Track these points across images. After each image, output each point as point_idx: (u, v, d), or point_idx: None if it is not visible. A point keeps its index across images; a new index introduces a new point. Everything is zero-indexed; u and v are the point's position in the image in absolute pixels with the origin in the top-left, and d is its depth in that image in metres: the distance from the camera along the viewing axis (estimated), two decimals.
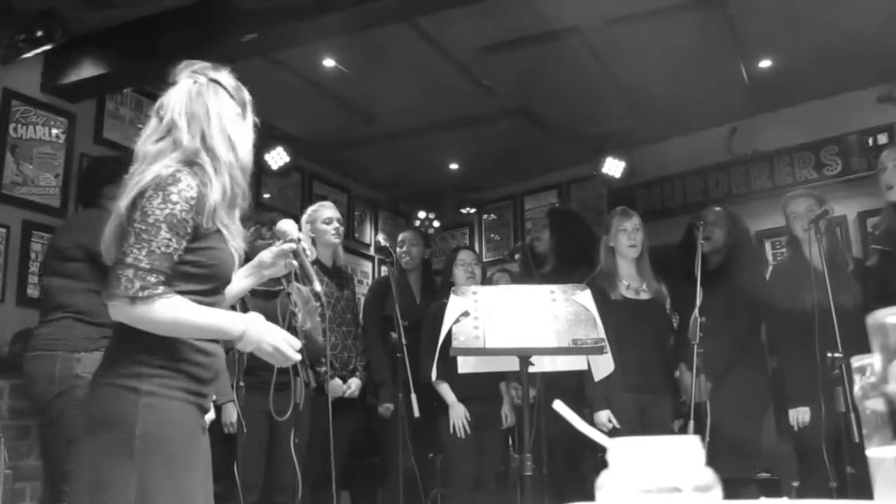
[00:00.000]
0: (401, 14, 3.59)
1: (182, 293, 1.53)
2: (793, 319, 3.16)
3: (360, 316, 3.99)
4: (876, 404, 0.60)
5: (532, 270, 3.83)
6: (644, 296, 3.45)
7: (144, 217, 1.49)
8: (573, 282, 2.53)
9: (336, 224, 3.67)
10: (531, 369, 2.20)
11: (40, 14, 3.57)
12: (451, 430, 3.63)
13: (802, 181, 4.85)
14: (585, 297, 2.26)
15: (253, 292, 2.47)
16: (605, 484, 0.52)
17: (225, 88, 1.69)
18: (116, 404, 1.50)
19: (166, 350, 1.53)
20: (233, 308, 1.81)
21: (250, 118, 1.73)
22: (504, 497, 3.82)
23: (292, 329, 2.89)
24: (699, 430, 2.87)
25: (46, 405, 2.76)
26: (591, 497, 0.54)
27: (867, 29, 3.90)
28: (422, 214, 6.34)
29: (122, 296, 1.46)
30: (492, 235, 6.61)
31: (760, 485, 3.56)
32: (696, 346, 2.93)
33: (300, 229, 3.61)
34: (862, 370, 0.63)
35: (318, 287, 1.84)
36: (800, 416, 3.16)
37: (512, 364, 2.25)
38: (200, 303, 1.56)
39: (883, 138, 4.71)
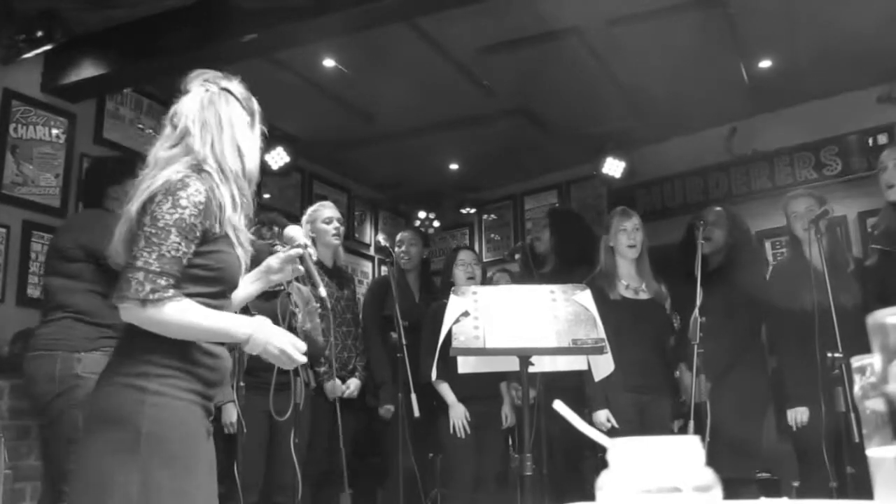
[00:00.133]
0: (401, 14, 3.59)
1: (190, 296, 1.55)
2: (793, 319, 3.16)
3: (360, 316, 3.99)
4: (876, 404, 0.60)
5: (532, 270, 3.83)
6: (643, 296, 3.45)
7: (154, 221, 1.52)
8: (573, 282, 2.53)
9: (336, 224, 3.67)
10: (531, 369, 2.20)
11: (40, 14, 3.57)
12: (451, 430, 3.63)
13: (802, 181, 4.85)
14: (585, 297, 2.26)
15: None
16: (605, 484, 0.52)
17: (236, 98, 1.72)
18: (123, 403, 1.51)
19: (174, 351, 1.55)
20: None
21: (258, 127, 1.76)
22: (504, 497, 3.82)
23: (292, 329, 2.89)
24: (699, 430, 2.87)
25: (46, 405, 2.76)
26: (592, 497, 0.54)
27: (867, 29, 3.90)
28: (422, 214, 6.34)
29: (133, 298, 1.49)
30: (492, 235, 6.61)
31: (760, 485, 3.56)
32: (696, 347, 2.93)
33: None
34: (862, 370, 0.63)
35: (323, 292, 1.87)
36: (798, 415, 3.17)
37: (512, 364, 2.25)
38: (208, 306, 1.58)
39: (883, 138, 4.71)
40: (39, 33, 3.59)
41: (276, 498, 3.18)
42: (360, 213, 6.31)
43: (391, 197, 6.54)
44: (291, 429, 2.83)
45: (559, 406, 0.73)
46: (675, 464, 0.51)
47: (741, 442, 3.22)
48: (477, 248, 6.45)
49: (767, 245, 4.98)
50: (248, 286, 1.85)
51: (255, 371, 2.93)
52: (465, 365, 2.35)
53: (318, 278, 1.87)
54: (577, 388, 3.28)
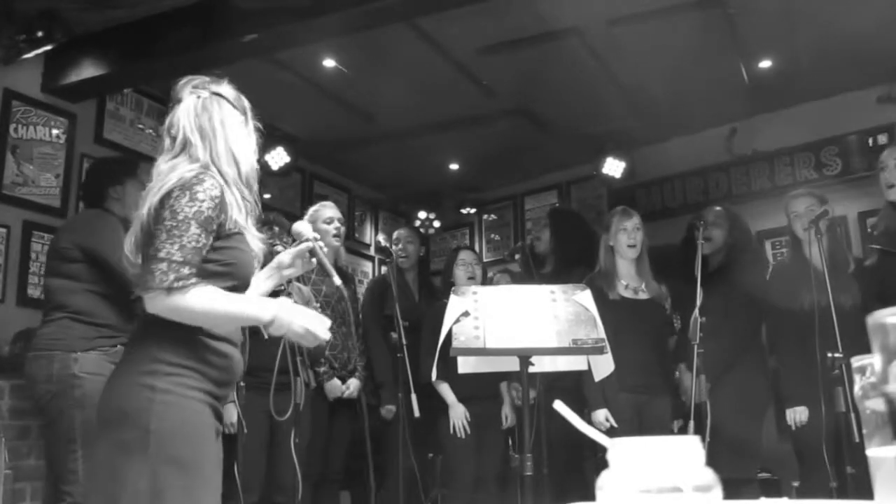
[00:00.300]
0: (401, 14, 3.59)
1: None
2: (793, 319, 3.16)
3: (360, 316, 3.99)
4: (876, 404, 0.60)
5: (532, 271, 3.82)
6: (643, 296, 3.45)
7: (174, 215, 1.55)
8: (573, 282, 2.53)
9: (337, 224, 3.67)
10: (531, 369, 2.20)
11: (41, 14, 3.57)
12: (452, 431, 3.63)
13: (802, 181, 4.85)
14: (586, 297, 2.26)
15: None
16: (605, 484, 0.52)
17: (227, 100, 1.75)
18: (132, 400, 1.53)
19: (185, 350, 1.57)
20: None
21: (251, 124, 1.80)
22: (504, 497, 3.82)
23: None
24: (699, 431, 2.87)
25: (45, 405, 2.76)
26: (592, 497, 0.54)
27: (867, 29, 3.90)
28: (422, 215, 6.34)
29: (158, 288, 1.51)
30: (492, 236, 6.61)
31: (760, 485, 3.56)
32: (696, 347, 2.93)
33: None
34: (862, 370, 0.63)
35: (337, 281, 1.88)
36: (797, 415, 3.16)
37: (512, 364, 2.25)
38: None
39: (883, 138, 4.71)
40: (40, 33, 3.59)
41: (277, 498, 3.18)
42: (360, 214, 6.31)
43: (391, 197, 6.54)
44: (292, 429, 2.83)
45: (559, 406, 0.73)
46: (676, 464, 0.51)
47: (741, 442, 3.22)
48: (477, 248, 6.45)
49: (767, 245, 4.98)
50: (261, 283, 1.87)
51: (256, 371, 2.93)
52: (465, 365, 2.35)
53: (331, 268, 1.88)
54: (577, 388, 3.28)
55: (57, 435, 2.72)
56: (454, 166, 6.06)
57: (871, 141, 4.79)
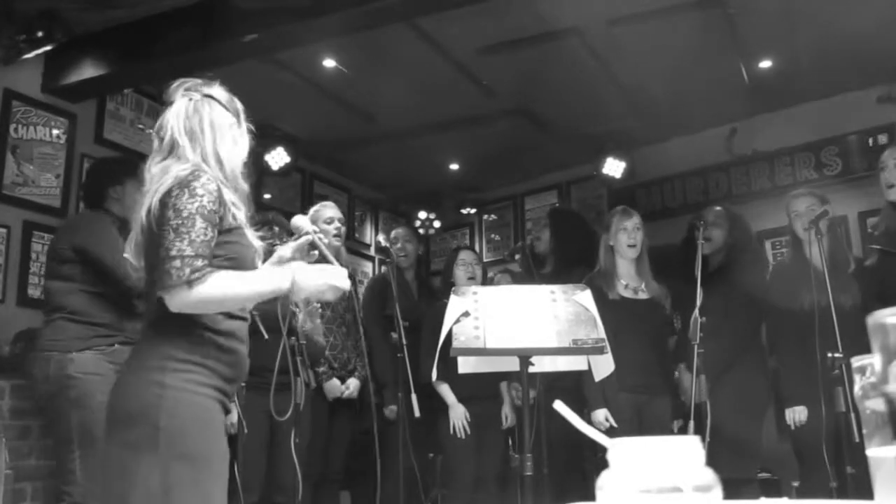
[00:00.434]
0: (401, 14, 3.59)
1: None
2: (792, 319, 3.16)
3: (360, 316, 3.98)
4: (876, 404, 0.60)
5: (532, 271, 3.82)
6: (643, 295, 3.45)
7: (178, 213, 1.57)
8: (573, 282, 2.53)
9: (338, 224, 3.67)
10: (531, 369, 2.20)
11: (41, 14, 3.57)
12: (451, 431, 3.63)
13: (803, 181, 4.85)
14: (586, 297, 2.26)
15: None
16: (605, 484, 0.52)
17: (219, 102, 1.77)
18: (141, 397, 1.55)
19: (193, 347, 1.59)
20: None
21: (245, 126, 1.82)
22: (505, 497, 3.82)
23: (293, 330, 2.89)
24: (699, 431, 2.87)
25: (45, 406, 2.77)
26: (592, 497, 0.54)
27: (867, 29, 3.90)
28: (422, 215, 6.34)
29: (178, 284, 1.53)
30: (492, 236, 6.61)
31: (760, 485, 3.56)
32: (696, 347, 2.93)
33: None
34: (862, 370, 0.63)
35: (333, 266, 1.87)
36: (796, 415, 3.17)
37: (512, 364, 2.25)
38: None
39: (883, 138, 4.71)
40: (40, 33, 3.58)
41: (277, 498, 3.18)
42: (360, 214, 6.31)
43: (391, 197, 6.54)
44: (292, 429, 2.83)
45: (559, 406, 0.73)
46: (676, 464, 0.51)
47: (741, 442, 3.22)
48: (477, 248, 6.45)
49: (768, 245, 4.97)
50: None
51: (256, 371, 2.92)
52: (465, 365, 2.35)
53: (333, 260, 1.89)
54: (577, 388, 3.28)
55: (56, 435, 2.73)
56: (454, 166, 6.06)
57: (871, 141, 4.79)
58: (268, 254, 1.92)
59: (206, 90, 1.76)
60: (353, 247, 5.93)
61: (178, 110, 1.72)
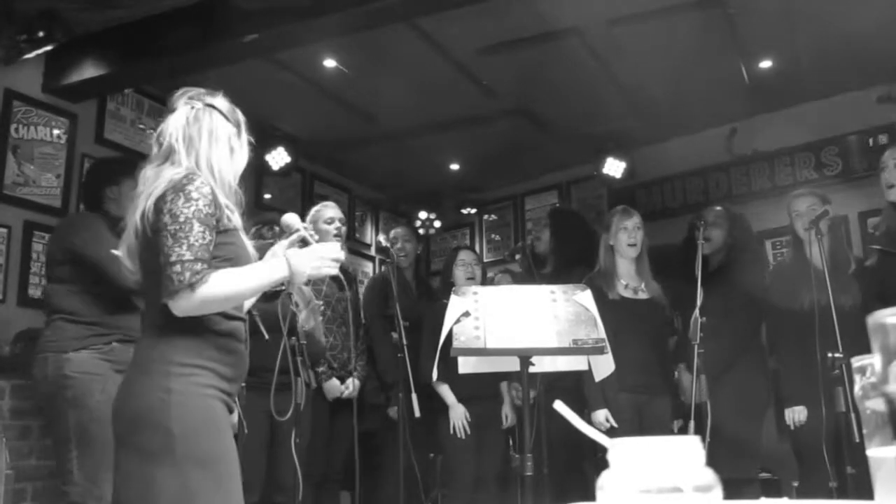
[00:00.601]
0: (401, 14, 3.59)
1: None
2: (792, 319, 3.16)
3: (361, 316, 3.98)
4: (876, 404, 0.60)
5: (533, 271, 3.82)
6: (642, 295, 3.45)
7: (175, 218, 1.59)
8: (573, 282, 2.53)
9: (338, 224, 3.67)
10: (532, 369, 2.20)
11: (41, 14, 3.57)
12: (452, 431, 3.63)
13: (803, 181, 4.85)
14: (586, 297, 2.26)
15: None
16: (605, 484, 0.52)
17: (220, 112, 1.78)
18: (149, 404, 1.56)
19: (195, 349, 1.61)
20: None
21: (245, 137, 1.84)
22: (505, 497, 3.82)
23: (293, 329, 2.89)
24: (699, 431, 2.87)
25: (44, 406, 2.78)
26: (592, 497, 0.54)
27: (867, 29, 3.90)
28: (422, 215, 6.34)
29: (180, 288, 1.55)
30: (492, 236, 6.61)
31: (761, 485, 3.56)
32: (696, 347, 2.93)
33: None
34: (862, 370, 0.63)
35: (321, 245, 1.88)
36: (796, 415, 3.17)
37: (512, 364, 2.25)
38: None
39: (883, 138, 4.71)
40: (40, 33, 3.59)
41: (277, 498, 3.18)
42: (360, 214, 6.31)
43: (391, 197, 6.54)
44: (292, 429, 2.83)
45: (559, 406, 0.73)
46: (676, 464, 0.51)
47: (741, 442, 3.22)
48: (477, 248, 6.45)
49: (768, 245, 4.97)
50: None
51: (256, 371, 2.92)
52: (465, 365, 2.35)
53: None
54: (577, 388, 3.28)
55: (54, 435, 2.73)
56: (454, 166, 6.06)
57: (871, 141, 4.79)
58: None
59: (209, 99, 1.78)
60: (353, 247, 5.93)
61: (178, 118, 1.74)
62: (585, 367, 2.41)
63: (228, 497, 1.60)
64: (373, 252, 6.31)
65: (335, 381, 3.56)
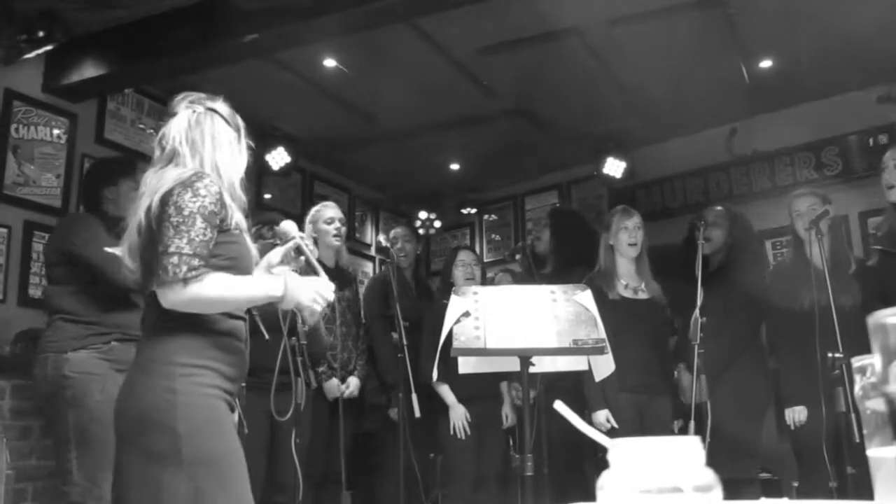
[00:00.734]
0: (401, 14, 3.59)
1: None
2: (793, 319, 3.15)
3: (362, 316, 3.98)
4: (876, 404, 0.60)
5: (533, 271, 3.82)
6: (643, 295, 3.45)
7: (179, 210, 1.59)
8: (573, 282, 2.53)
9: (338, 224, 3.66)
10: (532, 370, 2.20)
11: (41, 14, 3.57)
12: (452, 431, 3.63)
13: (803, 181, 4.85)
14: (586, 297, 2.26)
15: None
16: (606, 484, 0.52)
17: (222, 116, 1.80)
18: (155, 406, 1.56)
19: (197, 350, 1.62)
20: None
21: (244, 142, 1.86)
22: (505, 497, 3.82)
23: (294, 329, 2.89)
24: (700, 431, 2.87)
25: (44, 406, 2.78)
26: (593, 497, 0.54)
27: (867, 29, 3.90)
28: (423, 215, 6.34)
29: (173, 280, 1.55)
30: (493, 236, 6.61)
31: (761, 485, 3.56)
32: (696, 347, 2.93)
33: (303, 229, 3.63)
34: (862, 370, 0.63)
35: (324, 278, 1.88)
36: (796, 415, 3.16)
37: (512, 364, 2.25)
38: None
39: (883, 138, 4.71)
40: (40, 33, 3.59)
41: (277, 498, 3.17)
42: (360, 214, 6.31)
43: (392, 197, 6.54)
44: (292, 429, 2.83)
45: (560, 406, 0.73)
46: (676, 464, 0.51)
47: (741, 442, 3.22)
48: (478, 248, 6.45)
49: (768, 245, 4.97)
50: None
51: (257, 371, 2.92)
52: (465, 365, 2.35)
53: (318, 266, 1.92)
54: (577, 388, 3.28)
55: (55, 435, 2.73)
56: (454, 166, 6.06)
57: (871, 141, 4.79)
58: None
59: (210, 104, 1.80)
60: (353, 247, 5.93)
61: (180, 121, 1.76)
62: (585, 368, 2.41)
63: (236, 497, 1.60)
64: (373, 252, 6.31)
65: (335, 381, 3.56)
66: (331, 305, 3.56)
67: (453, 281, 3.82)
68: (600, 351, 2.13)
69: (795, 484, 3.52)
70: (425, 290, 4.50)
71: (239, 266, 1.71)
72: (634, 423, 3.25)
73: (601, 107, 4.96)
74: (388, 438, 3.79)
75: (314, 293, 1.73)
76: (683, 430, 3.31)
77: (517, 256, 4.41)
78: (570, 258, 3.98)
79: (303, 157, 5.17)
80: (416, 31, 4.05)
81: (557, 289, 2.31)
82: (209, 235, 1.61)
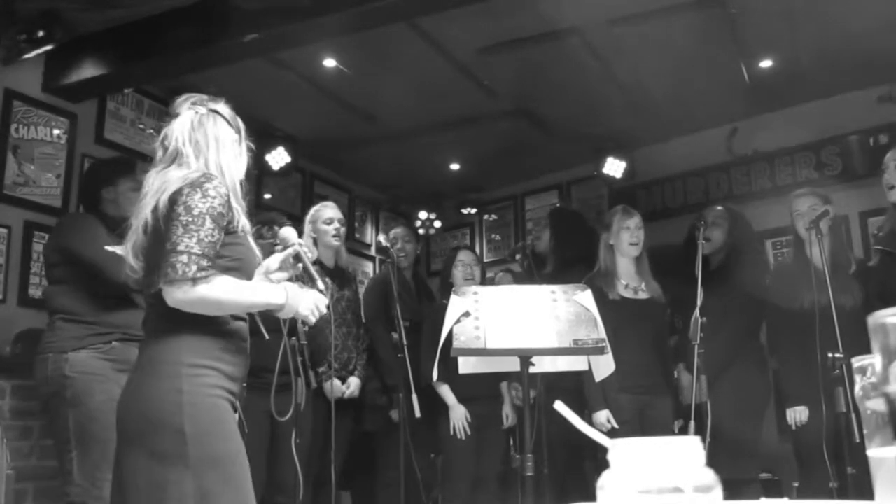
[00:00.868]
0: (401, 14, 3.59)
1: None
2: (793, 319, 3.16)
3: (362, 316, 3.98)
4: (876, 404, 0.60)
5: (533, 271, 3.82)
6: (643, 295, 3.45)
7: (189, 210, 1.60)
8: (573, 282, 2.53)
9: (337, 224, 3.66)
10: (532, 370, 2.20)
11: (41, 14, 3.57)
12: (452, 431, 3.63)
13: (803, 181, 4.84)
14: (586, 297, 2.26)
15: None
16: (606, 484, 0.52)
17: (224, 117, 1.81)
18: (162, 404, 1.57)
19: (202, 350, 1.63)
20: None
21: (245, 143, 1.88)
22: (505, 497, 3.83)
23: (294, 330, 2.89)
24: (700, 431, 2.87)
25: (45, 406, 2.78)
26: (593, 497, 0.54)
27: (867, 29, 3.90)
28: (423, 215, 6.34)
29: (182, 279, 1.55)
30: (493, 236, 6.61)
31: (761, 485, 3.56)
32: (696, 347, 2.92)
33: (303, 230, 3.63)
34: (863, 370, 0.63)
35: (321, 286, 1.93)
36: (797, 415, 3.16)
37: (513, 364, 2.25)
38: None
39: (884, 138, 4.70)
40: (40, 33, 3.59)
41: (277, 498, 3.18)
42: (360, 214, 6.31)
43: (392, 197, 6.54)
44: (293, 429, 2.83)
45: (560, 407, 0.73)
46: (676, 464, 0.51)
47: (741, 442, 3.22)
48: (478, 248, 6.45)
49: (768, 245, 4.97)
50: None
51: (257, 371, 2.92)
52: (465, 365, 2.35)
53: (315, 274, 1.94)
54: (577, 388, 3.28)
55: (55, 435, 2.73)
56: (455, 166, 6.06)
57: (871, 141, 4.78)
58: (268, 256, 1.95)
59: (212, 105, 1.81)
60: (353, 247, 5.93)
61: (183, 122, 1.76)
62: (586, 368, 2.41)
63: (241, 497, 1.61)
64: (373, 252, 6.31)
65: (335, 382, 3.55)
66: (331, 304, 3.57)
67: (453, 281, 3.82)
68: (600, 351, 2.13)
69: (796, 484, 3.52)
70: (425, 291, 4.50)
71: (243, 268, 1.72)
72: (635, 424, 3.25)
73: (601, 107, 4.96)
74: (389, 439, 3.79)
75: (313, 305, 1.78)
76: (683, 431, 3.31)
77: (517, 256, 4.40)
78: (570, 258, 3.98)
79: (303, 157, 5.17)
80: (416, 31, 4.05)
81: (558, 289, 2.31)
82: (217, 237, 1.62)
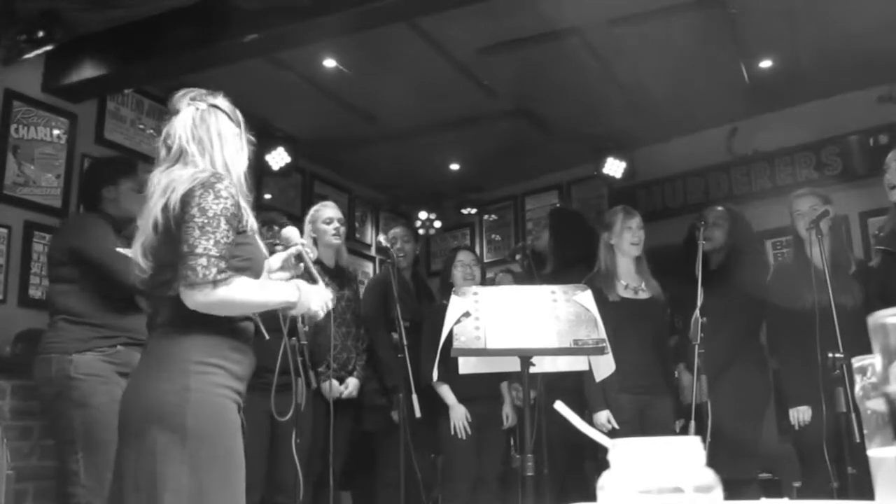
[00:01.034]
0: (401, 14, 3.59)
1: None
2: (793, 319, 3.15)
3: (362, 316, 3.97)
4: (877, 404, 0.60)
5: (533, 271, 3.82)
6: (643, 295, 3.45)
7: (203, 212, 1.60)
8: (573, 282, 2.53)
9: (337, 224, 3.66)
10: (532, 370, 2.20)
11: (41, 14, 3.57)
12: (452, 431, 3.63)
13: (803, 181, 4.84)
14: (586, 297, 2.26)
15: None
16: (606, 484, 0.52)
17: (224, 111, 1.81)
18: (168, 401, 1.57)
19: (210, 349, 1.63)
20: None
21: (245, 136, 1.88)
22: (505, 497, 3.82)
23: (294, 330, 2.89)
24: (700, 431, 2.87)
25: (47, 407, 2.77)
26: (593, 497, 0.54)
27: (868, 29, 3.90)
28: (423, 215, 6.34)
29: (203, 282, 1.56)
30: (493, 236, 6.61)
31: (762, 485, 3.56)
32: (696, 347, 2.92)
33: (303, 230, 3.63)
34: (863, 370, 0.63)
35: (322, 285, 1.92)
36: (800, 414, 3.16)
37: (513, 365, 2.25)
38: None
39: (884, 138, 4.71)
40: (40, 33, 3.59)
41: (278, 498, 3.18)
42: (360, 214, 6.31)
43: (392, 197, 6.54)
44: (293, 429, 2.83)
45: (560, 407, 0.73)
46: (677, 464, 0.51)
47: (741, 442, 3.22)
48: (478, 248, 6.45)
49: (768, 245, 4.97)
50: None
51: (257, 371, 2.92)
52: (465, 365, 2.35)
53: (316, 274, 1.95)
54: (578, 388, 3.28)
55: (58, 437, 2.73)
56: (455, 166, 6.06)
57: (871, 141, 4.78)
58: (271, 254, 1.95)
59: (212, 100, 1.80)
60: (353, 247, 5.93)
61: (184, 119, 1.75)
62: (586, 368, 2.41)
63: (236, 497, 1.62)
64: (373, 252, 6.31)
65: (334, 382, 3.55)
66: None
67: (452, 281, 3.82)
68: (600, 351, 2.13)
69: (796, 484, 3.53)
70: (425, 291, 4.50)
71: (253, 267, 1.73)
72: (635, 424, 3.25)
73: (601, 107, 4.96)
74: (389, 438, 3.79)
75: (323, 302, 1.80)
76: (684, 431, 3.31)
77: (517, 256, 4.40)
78: (569, 258, 3.97)
79: (303, 157, 5.17)
80: (416, 31, 4.05)
81: (558, 289, 2.31)
82: (231, 238, 1.63)
